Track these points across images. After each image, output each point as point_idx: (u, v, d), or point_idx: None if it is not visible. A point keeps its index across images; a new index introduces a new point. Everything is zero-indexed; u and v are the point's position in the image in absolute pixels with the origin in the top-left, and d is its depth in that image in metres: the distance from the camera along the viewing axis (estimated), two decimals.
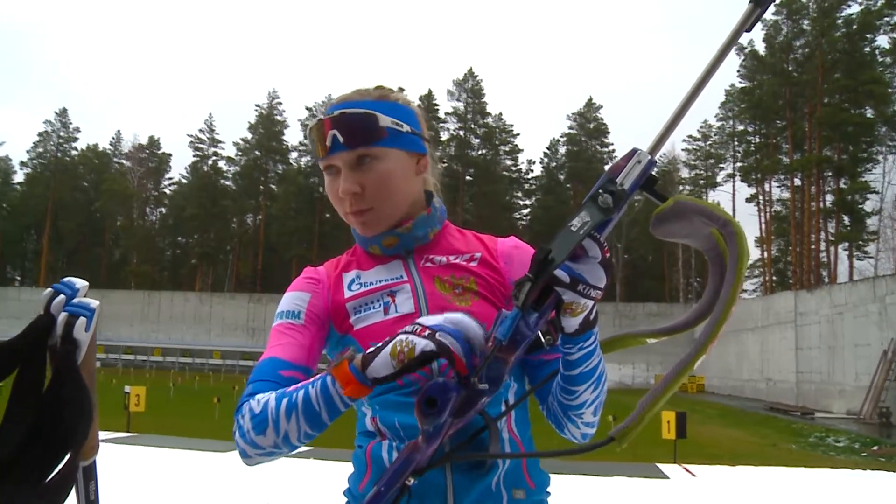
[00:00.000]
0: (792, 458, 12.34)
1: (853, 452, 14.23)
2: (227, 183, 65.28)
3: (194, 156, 64.93)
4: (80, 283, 1.05)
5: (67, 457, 0.94)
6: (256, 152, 63.61)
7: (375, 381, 0.99)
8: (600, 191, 0.97)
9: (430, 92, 61.97)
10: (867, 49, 43.52)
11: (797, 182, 48.07)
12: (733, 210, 55.11)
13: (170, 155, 68.72)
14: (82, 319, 1.00)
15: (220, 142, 65.54)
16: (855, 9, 43.39)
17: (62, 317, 0.99)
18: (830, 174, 45.64)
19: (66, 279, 1.05)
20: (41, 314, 1.00)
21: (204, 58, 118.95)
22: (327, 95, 62.86)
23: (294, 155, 64.28)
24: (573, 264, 0.98)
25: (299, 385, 1.10)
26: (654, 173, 1.00)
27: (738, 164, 55.49)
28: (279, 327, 1.29)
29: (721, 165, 57.82)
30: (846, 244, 45.76)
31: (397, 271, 1.33)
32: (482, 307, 1.27)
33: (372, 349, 1.00)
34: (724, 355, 35.69)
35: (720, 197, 56.27)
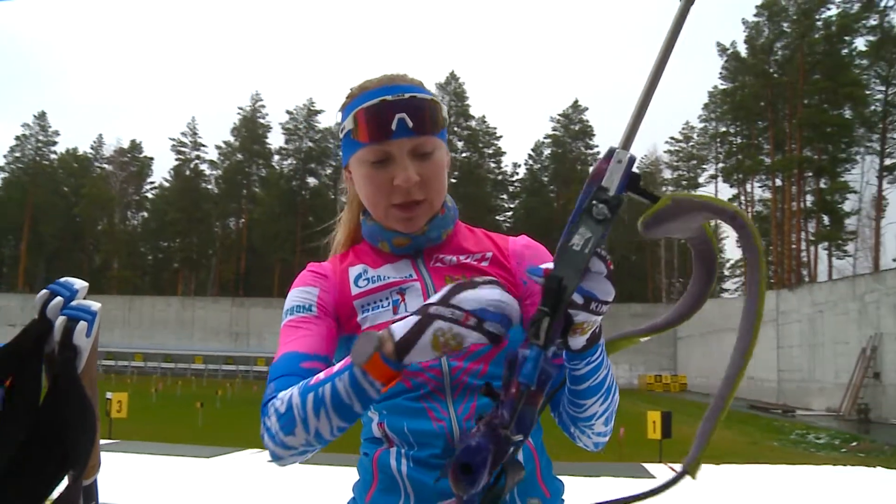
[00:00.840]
0: (774, 456, 12.44)
1: (833, 449, 14.37)
2: (210, 187, 64.86)
3: (176, 159, 64.44)
4: (80, 283, 0.96)
5: (68, 476, 0.86)
6: (239, 156, 63.21)
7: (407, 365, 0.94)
8: (594, 202, 0.89)
9: None
10: (845, 51, 43.98)
11: (778, 182, 48.49)
12: None
13: (152, 159, 68.14)
14: (83, 324, 0.91)
15: (202, 145, 65.09)
16: (833, 11, 43.92)
17: (60, 321, 0.90)
18: (811, 174, 46.01)
19: (63, 279, 0.96)
20: (35, 318, 0.91)
21: (187, 61, 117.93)
22: (308, 99, 62.61)
23: (277, 158, 64.05)
24: (581, 283, 0.91)
25: (322, 377, 1.01)
26: (635, 170, 0.91)
27: (721, 165, 55.93)
28: (290, 323, 1.21)
29: (703, 166, 58.24)
30: (826, 244, 46.22)
31: (406, 270, 1.27)
32: None
33: (402, 332, 0.92)
34: (707, 355, 35.86)
35: None
